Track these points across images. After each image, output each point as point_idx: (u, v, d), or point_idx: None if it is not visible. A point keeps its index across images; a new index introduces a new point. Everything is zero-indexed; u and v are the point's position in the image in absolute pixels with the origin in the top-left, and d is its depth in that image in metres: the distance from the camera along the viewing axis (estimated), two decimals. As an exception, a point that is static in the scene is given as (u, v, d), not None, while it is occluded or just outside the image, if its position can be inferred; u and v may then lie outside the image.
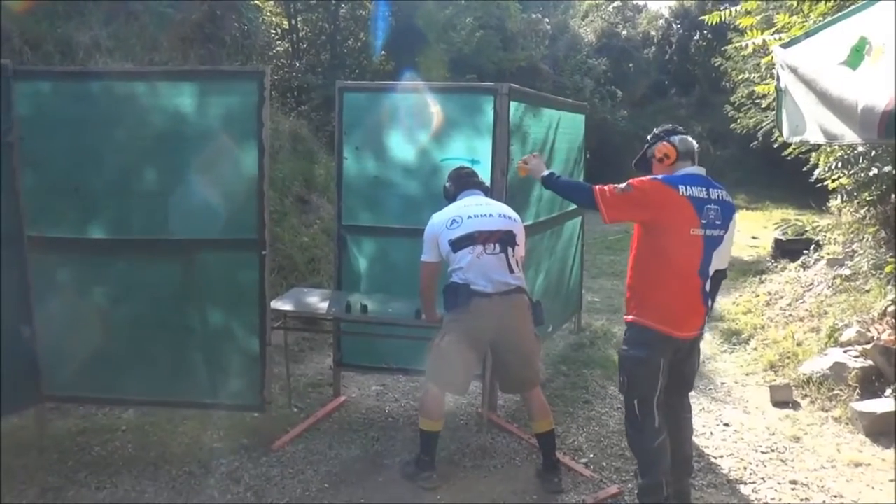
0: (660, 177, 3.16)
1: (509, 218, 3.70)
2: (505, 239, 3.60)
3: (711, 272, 3.16)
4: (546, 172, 3.47)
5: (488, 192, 3.94)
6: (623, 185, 3.13)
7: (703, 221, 3.07)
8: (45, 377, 3.95)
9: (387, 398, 4.90)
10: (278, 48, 13.08)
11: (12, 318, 3.80)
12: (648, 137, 3.37)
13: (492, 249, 3.55)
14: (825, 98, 2.76)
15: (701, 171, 3.22)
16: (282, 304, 4.41)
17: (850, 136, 2.63)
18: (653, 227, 3.13)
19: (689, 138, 3.29)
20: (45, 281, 3.89)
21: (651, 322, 3.13)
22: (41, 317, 3.88)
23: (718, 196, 3.15)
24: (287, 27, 13.57)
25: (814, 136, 3.12)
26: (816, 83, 2.87)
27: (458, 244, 3.56)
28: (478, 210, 3.66)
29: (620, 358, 3.29)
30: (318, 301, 4.60)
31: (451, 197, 3.85)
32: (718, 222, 3.11)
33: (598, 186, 3.20)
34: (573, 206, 5.53)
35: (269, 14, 12.68)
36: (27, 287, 3.85)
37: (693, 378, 3.47)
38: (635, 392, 3.19)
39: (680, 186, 3.08)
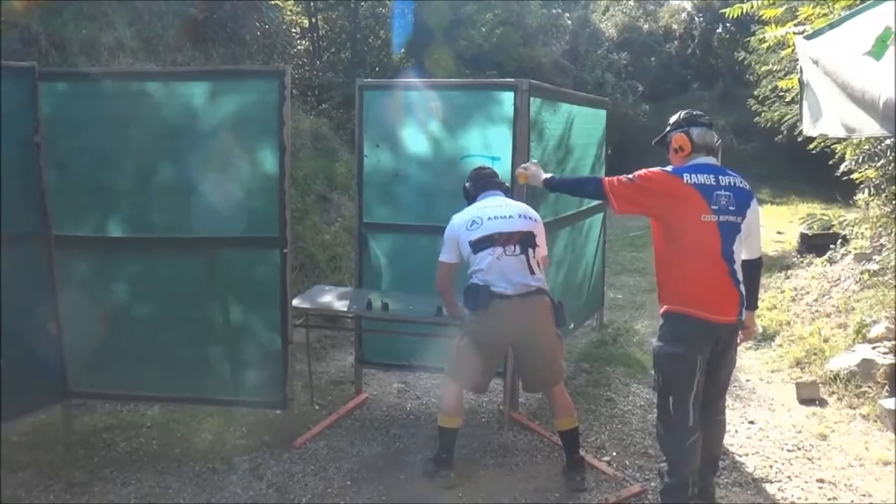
0: (665, 168, 3.18)
1: (529, 218, 3.67)
2: (525, 240, 3.58)
3: (738, 258, 3.12)
4: (546, 176, 3.49)
5: (508, 192, 3.92)
6: (631, 175, 3.16)
7: (714, 207, 3.04)
8: (71, 374, 4.01)
9: (408, 396, 4.91)
10: (299, 47, 13.12)
11: (39, 316, 3.86)
12: (671, 121, 3.34)
13: (512, 251, 3.53)
14: (848, 90, 2.71)
15: (711, 160, 3.20)
16: (303, 302, 4.43)
17: (871, 128, 2.59)
18: (664, 218, 3.14)
19: (710, 131, 3.23)
20: (70, 279, 3.95)
21: (686, 308, 3.08)
22: (67, 315, 3.93)
23: (730, 182, 3.12)
24: (307, 26, 13.61)
25: (834, 129, 3.07)
26: (838, 75, 2.82)
27: (478, 245, 3.55)
28: (498, 211, 3.64)
29: (655, 355, 3.22)
30: (339, 299, 4.61)
31: (470, 197, 3.83)
32: (732, 208, 3.08)
33: (606, 178, 3.21)
34: (595, 203, 5.49)
35: (289, 13, 12.73)
36: (53, 285, 3.91)
37: (728, 380, 3.41)
38: (670, 390, 3.13)
39: (685, 175, 3.08)
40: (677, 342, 3.09)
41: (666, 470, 3.23)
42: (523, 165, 3.68)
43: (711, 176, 3.10)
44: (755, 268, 3.30)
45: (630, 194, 3.14)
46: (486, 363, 3.62)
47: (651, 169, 3.18)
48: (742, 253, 3.16)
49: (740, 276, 3.13)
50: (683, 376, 3.09)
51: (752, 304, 3.32)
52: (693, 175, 3.08)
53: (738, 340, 3.34)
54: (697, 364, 3.08)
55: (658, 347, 3.19)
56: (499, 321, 3.50)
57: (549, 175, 3.52)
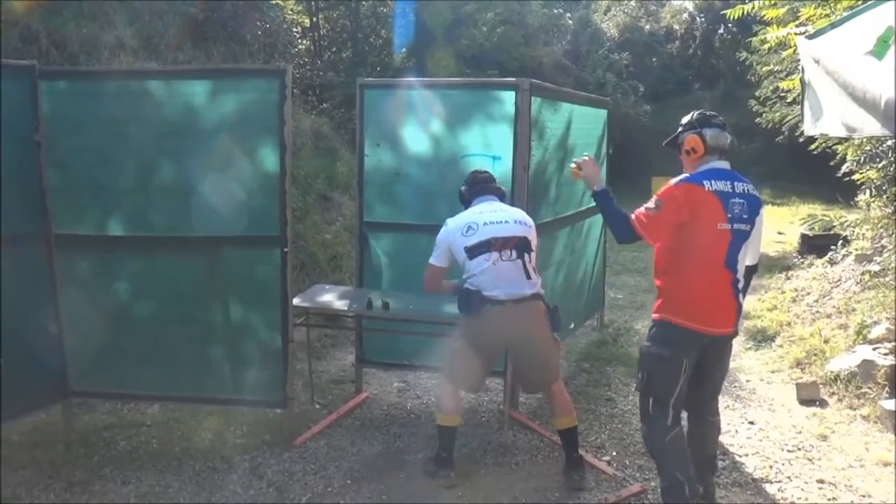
0: (683, 178, 3.10)
1: (524, 224, 3.67)
2: (521, 245, 3.57)
3: (741, 267, 3.08)
4: (600, 188, 3.30)
5: (504, 197, 3.90)
6: (652, 203, 3.06)
7: (730, 216, 3.00)
8: (72, 373, 4.01)
9: (408, 395, 4.91)
10: (300, 46, 13.11)
11: (39, 316, 3.86)
12: (683, 121, 3.25)
13: (508, 256, 3.53)
14: (849, 89, 2.71)
15: (725, 164, 3.14)
16: (304, 301, 4.43)
17: (871, 127, 2.59)
18: (685, 227, 3.03)
19: (724, 133, 3.15)
20: (70, 278, 3.94)
21: (679, 319, 3.05)
22: (67, 314, 3.93)
23: (744, 189, 3.07)
24: (308, 25, 13.61)
25: (835, 129, 3.07)
26: (840, 74, 2.82)
27: (473, 251, 3.54)
28: (493, 217, 3.63)
29: (642, 354, 3.21)
30: (339, 298, 4.61)
31: (465, 202, 3.83)
32: (745, 216, 3.04)
33: (633, 215, 3.10)
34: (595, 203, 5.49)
35: (290, 12, 12.73)
36: (53, 284, 3.90)
37: (721, 384, 3.41)
38: (652, 391, 3.13)
39: (705, 182, 3.02)
40: (666, 345, 3.08)
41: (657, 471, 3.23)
42: (579, 161, 3.44)
43: (728, 182, 3.05)
44: (751, 272, 3.25)
45: (658, 225, 3.05)
46: (480, 364, 3.63)
47: (670, 184, 3.08)
48: (745, 260, 3.12)
49: (741, 284, 3.10)
50: (667, 379, 3.08)
51: None
52: (713, 182, 3.02)
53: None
54: (683, 368, 3.07)
55: (646, 347, 3.18)
56: (491, 326, 3.51)
57: (603, 186, 3.32)
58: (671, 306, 3.11)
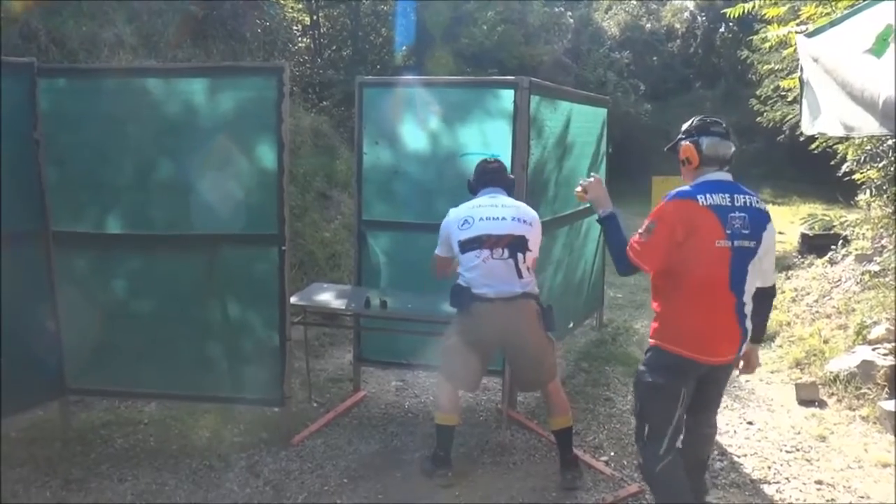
0: (675, 193, 2.84)
1: (524, 222, 3.59)
2: (515, 244, 3.52)
3: (750, 288, 2.83)
4: (606, 213, 3.05)
5: (513, 188, 3.84)
6: (644, 227, 2.82)
7: (729, 231, 2.74)
8: (69, 371, 4.00)
9: (406, 394, 4.90)
10: (300, 44, 13.12)
11: (37, 313, 3.86)
12: (683, 128, 2.99)
13: (499, 254, 3.49)
14: (847, 88, 2.70)
15: (725, 176, 2.88)
16: (302, 300, 4.42)
17: (869, 126, 2.58)
18: (681, 246, 2.77)
19: (725, 142, 2.88)
20: (68, 276, 3.94)
21: (676, 348, 2.83)
22: (65, 311, 3.92)
23: (746, 202, 2.81)
24: (309, 23, 13.61)
25: (833, 128, 3.04)
26: (838, 73, 2.81)
27: (466, 246, 3.53)
28: (492, 212, 3.57)
29: (636, 381, 3.00)
30: (337, 296, 4.61)
31: (472, 192, 3.79)
32: (746, 231, 2.77)
33: (628, 246, 2.87)
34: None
35: (290, 10, 12.72)
36: (51, 282, 3.90)
37: (718, 404, 3.23)
38: (647, 420, 2.94)
39: (699, 197, 2.76)
40: (660, 372, 2.87)
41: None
42: (584, 183, 3.18)
43: (727, 196, 2.79)
44: (767, 296, 2.99)
45: (652, 251, 2.80)
46: (472, 363, 3.61)
47: (661, 202, 2.87)
48: (755, 281, 2.86)
49: (749, 308, 2.85)
50: (662, 408, 2.88)
51: (757, 336, 3.01)
52: (707, 195, 2.76)
53: (737, 374, 3.17)
54: (680, 397, 2.86)
55: (640, 374, 2.98)
56: (481, 323, 3.50)
57: (609, 210, 3.06)
58: (667, 332, 2.88)
